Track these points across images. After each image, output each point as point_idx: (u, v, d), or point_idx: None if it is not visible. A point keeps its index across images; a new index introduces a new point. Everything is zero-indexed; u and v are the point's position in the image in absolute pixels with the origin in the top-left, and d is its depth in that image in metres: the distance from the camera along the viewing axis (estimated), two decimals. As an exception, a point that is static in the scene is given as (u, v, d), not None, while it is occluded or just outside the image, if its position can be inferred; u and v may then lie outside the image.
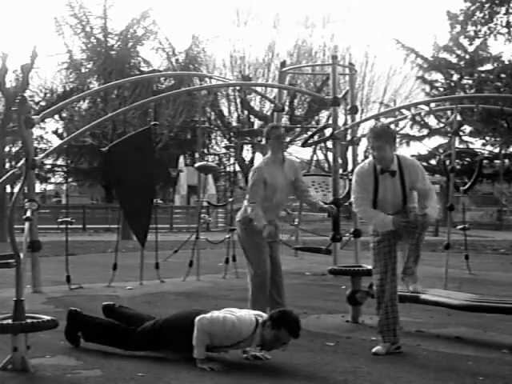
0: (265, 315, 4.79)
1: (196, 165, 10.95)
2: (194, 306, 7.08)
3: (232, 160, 35.68)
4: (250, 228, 5.92)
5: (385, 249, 5.11)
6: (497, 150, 30.97)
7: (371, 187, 5.11)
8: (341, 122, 11.50)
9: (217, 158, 36.56)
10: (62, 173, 37.27)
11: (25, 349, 4.40)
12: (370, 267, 6.38)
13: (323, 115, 34.06)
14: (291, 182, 6.09)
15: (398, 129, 11.43)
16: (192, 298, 7.95)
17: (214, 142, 38.46)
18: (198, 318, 4.60)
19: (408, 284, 5.14)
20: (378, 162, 5.09)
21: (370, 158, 5.21)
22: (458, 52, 33.27)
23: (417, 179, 5.08)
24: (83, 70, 35.54)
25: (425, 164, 27.11)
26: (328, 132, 10.58)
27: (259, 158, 33.05)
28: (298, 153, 33.77)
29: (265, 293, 5.88)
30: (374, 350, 5.06)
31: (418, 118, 29.24)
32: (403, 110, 15.49)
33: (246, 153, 35.28)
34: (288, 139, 32.20)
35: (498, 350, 5.25)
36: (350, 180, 10.62)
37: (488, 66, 31.73)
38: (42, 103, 29.91)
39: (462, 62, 33.13)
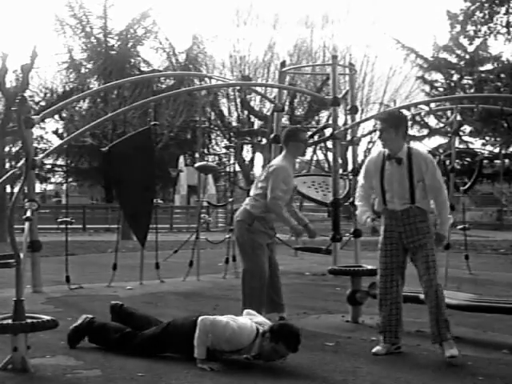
0: (267, 322, 4.78)
1: (196, 165, 10.95)
2: (194, 306, 7.10)
3: (232, 160, 35.66)
4: (253, 228, 5.93)
5: (392, 251, 5.06)
6: (497, 150, 30.99)
7: (377, 175, 5.06)
8: (341, 122, 11.51)
9: (217, 158, 36.57)
10: (62, 173, 37.28)
11: (25, 349, 4.40)
12: (370, 267, 6.41)
13: (323, 115, 34.11)
14: (294, 187, 6.18)
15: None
16: (192, 298, 7.95)
17: (214, 142, 38.49)
18: (200, 318, 4.61)
19: (444, 351, 4.83)
20: (384, 146, 5.06)
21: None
22: (458, 52, 33.30)
23: (426, 172, 4.94)
24: (83, 70, 35.55)
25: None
26: (328, 132, 10.58)
27: (259, 158, 32.89)
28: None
29: (262, 294, 5.86)
30: (373, 350, 5.05)
31: (418, 118, 29.28)
32: (403, 110, 15.49)
33: (246, 153, 35.30)
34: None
35: (498, 350, 5.25)
36: (350, 180, 10.68)
37: (488, 66, 31.76)
38: (42, 103, 29.90)
39: (462, 62, 33.16)
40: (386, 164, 5.02)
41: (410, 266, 5.19)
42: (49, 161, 34.46)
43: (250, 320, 4.75)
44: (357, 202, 5.26)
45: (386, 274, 5.07)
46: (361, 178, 5.27)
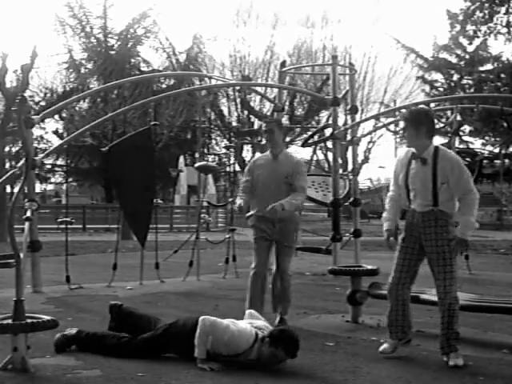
0: (268, 326, 4.78)
1: (196, 165, 10.95)
2: (194, 306, 7.10)
3: (232, 160, 35.69)
4: (250, 223, 6.07)
5: (407, 249, 4.95)
6: (497, 150, 31.00)
7: (403, 173, 4.95)
8: (341, 122, 11.49)
9: (217, 158, 36.60)
10: (62, 173, 37.31)
11: (25, 349, 4.40)
12: (370, 267, 6.41)
13: (323, 115, 34.13)
14: (284, 177, 5.90)
15: (398, 129, 11.41)
16: (192, 298, 7.95)
17: (213, 142, 38.54)
18: (201, 318, 4.61)
19: (448, 359, 4.75)
20: (408, 145, 4.99)
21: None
22: (458, 52, 33.31)
23: (451, 174, 4.77)
24: (83, 70, 35.57)
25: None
26: (328, 132, 10.57)
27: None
28: (298, 153, 33.77)
29: (255, 289, 5.88)
30: (380, 348, 4.96)
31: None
32: (403, 110, 15.48)
33: (246, 153, 35.33)
34: (288, 139, 32.25)
35: (498, 350, 5.25)
36: (350, 180, 10.68)
37: (488, 66, 31.77)
38: (42, 103, 29.94)
39: (462, 62, 33.16)
40: (412, 163, 4.92)
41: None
42: (49, 161, 34.50)
43: (250, 324, 4.75)
44: (386, 205, 5.15)
45: (396, 270, 5.00)
46: (392, 179, 5.15)
